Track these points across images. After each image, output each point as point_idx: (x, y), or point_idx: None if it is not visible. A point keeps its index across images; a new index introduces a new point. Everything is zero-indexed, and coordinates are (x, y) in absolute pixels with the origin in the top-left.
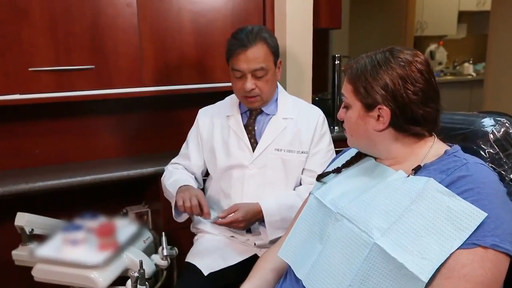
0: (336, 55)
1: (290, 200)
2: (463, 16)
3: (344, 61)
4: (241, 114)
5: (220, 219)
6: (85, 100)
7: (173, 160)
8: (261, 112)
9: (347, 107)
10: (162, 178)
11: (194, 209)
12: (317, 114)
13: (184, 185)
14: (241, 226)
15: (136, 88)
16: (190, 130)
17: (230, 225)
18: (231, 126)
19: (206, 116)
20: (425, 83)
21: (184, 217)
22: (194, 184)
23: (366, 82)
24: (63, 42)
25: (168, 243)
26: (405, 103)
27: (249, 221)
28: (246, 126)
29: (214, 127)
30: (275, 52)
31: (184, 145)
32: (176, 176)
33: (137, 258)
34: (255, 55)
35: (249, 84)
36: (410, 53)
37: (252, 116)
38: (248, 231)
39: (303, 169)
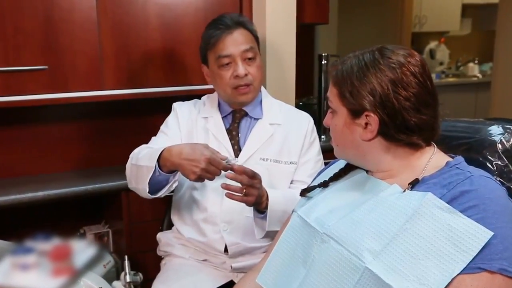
0: (323, 54)
1: (291, 193)
2: (467, 10)
3: (332, 60)
4: (222, 118)
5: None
6: (37, 105)
7: (142, 146)
8: (246, 114)
9: (333, 113)
10: (127, 164)
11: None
12: (307, 121)
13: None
14: (254, 194)
15: (96, 91)
16: (166, 120)
17: (248, 182)
18: (210, 129)
19: (183, 110)
20: (419, 87)
21: (162, 192)
22: None
23: (352, 86)
24: (11, 39)
25: (132, 268)
26: (395, 109)
27: (259, 197)
28: (229, 131)
29: (193, 126)
30: (257, 38)
31: (157, 135)
32: (146, 150)
33: (97, 285)
34: (242, 37)
35: (242, 68)
36: (403, 54)
37: (236, 120)
38: (225, 250)
39: (292, 180)
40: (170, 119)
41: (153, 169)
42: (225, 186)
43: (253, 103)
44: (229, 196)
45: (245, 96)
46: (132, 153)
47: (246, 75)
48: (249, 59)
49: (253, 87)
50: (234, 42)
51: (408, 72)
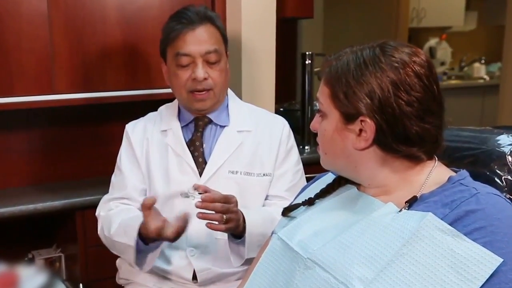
0: (307, 53)
1: (269, 213)
2: (472, 3)
3: (317, 60)
4: (182, 128)
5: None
6: None
7: (104, 198)
8: (210, 122)
9: (322, 116)
10: (99, 231)
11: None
12: (281, 125)
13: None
14: (234, 218)
15: (46, 95)
16: (120, 151)
17: (223, 208)
18: (169, 144)
19: (137, 132)
20: (424, 91)
21: (151, 262)
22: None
23: (347, 85)
24: None
25: None
26: (395, 116)
27: (235, 223)
28: (192, 142)
29: (149, 145)
30: (225, 37)
31: (114, 173)
32: (118, 218)
33: None
34: (206, 36)
35: (201, 71)
36: (408, 52)
37: (199, 129)
38: (194, 278)
39: (268, 195)
40: (123, 151)
41: (134, 248)
42: (202, 216)
43: (218, 108)
44: (210, 227)
45: (202, 103)
46: (98, 213)
47: (205, 79)
48: (212, 62)
49: (213, 93)
50: (197, 41)
51: (412, 73)
